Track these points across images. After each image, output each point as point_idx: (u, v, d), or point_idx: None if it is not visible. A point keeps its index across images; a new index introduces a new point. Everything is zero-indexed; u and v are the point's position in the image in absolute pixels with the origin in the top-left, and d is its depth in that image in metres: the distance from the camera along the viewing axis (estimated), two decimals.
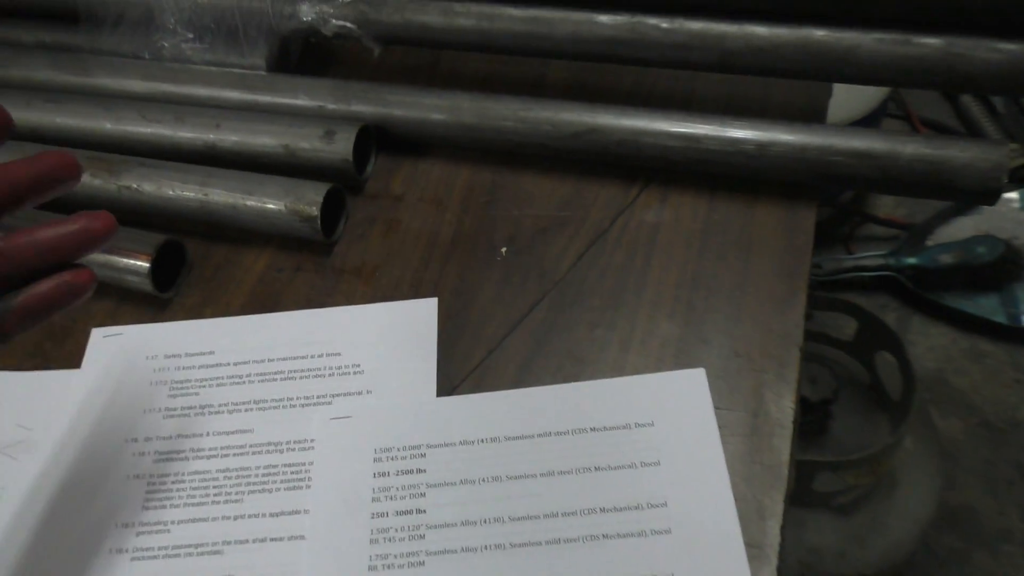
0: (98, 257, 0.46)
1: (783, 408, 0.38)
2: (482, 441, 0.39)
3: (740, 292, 0.41)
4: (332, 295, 0.46)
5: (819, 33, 0.44)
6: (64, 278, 0.31)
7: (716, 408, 0.38)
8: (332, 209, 0.47)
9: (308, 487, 0.39)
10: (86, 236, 0.31)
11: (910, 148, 0.42)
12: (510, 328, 0.42)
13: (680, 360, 0.40)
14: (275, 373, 0.43)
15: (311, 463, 0.40)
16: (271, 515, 0.38)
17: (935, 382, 1.14)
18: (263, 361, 0.44)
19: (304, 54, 0.57)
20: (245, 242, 0.49)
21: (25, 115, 0.53)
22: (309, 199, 0.46)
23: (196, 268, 0.48)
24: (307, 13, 0.52)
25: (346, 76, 0.53)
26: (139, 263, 0.45)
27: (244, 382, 0.43)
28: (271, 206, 0.46)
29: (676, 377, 0.39)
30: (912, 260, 1.17)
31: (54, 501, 0.40)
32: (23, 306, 0.31)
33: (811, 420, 0.88)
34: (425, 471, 0.39)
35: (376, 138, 0.51)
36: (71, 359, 0.45)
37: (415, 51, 0.56)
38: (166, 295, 0.47)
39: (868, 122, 1.14)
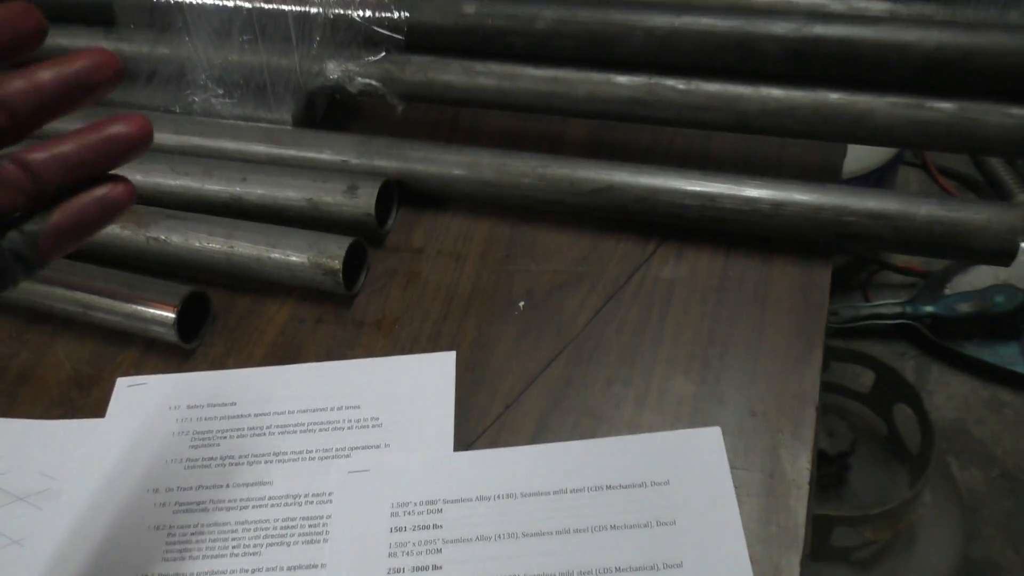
0: (125, 307, 0.47)
1: (799, 469, 0.38)
2: (498, 497, 0.39)
3: (756, 350, 0.42)
4: (352, 347, 0.46)
5: (834, 96, 0.44)
6: (98, 193, 0.28)
7: (732, 467, 0.38)
8: (354, 262, 0.48)
9: (325, 541, 0.39)
10: (119, 144, 0.28)
11: (924, 209, 0.42)
12: (527, 383, 0.43)
13: (696, 418, 0.40)
14: (295, 425, 0.44)
15: (329, 516, 0.40)
16: (288, 568, 0.39)
17: (955, 432, 1.13)
18: (283, 413, 0.44)
19: (329, 109, 0.58)
20: (268, 293, 0.50)
21: None
22: (331, 252, 0.47)
23: (220, 318, 0.49)
24: (334, 71, 0.54)
25: (370, 131, 0.55)
26: (165, 314, 0.46)
27: (264, 434, 0.44)
28: (294, 259, 0.47)
29: (692, 435, 0.39)
30: (930, 308, 1.17)
31: (76, 550, 0.40)
32: (56, 227, 0.28)
33: (829, 473, 0.87)
34: (442, 527, 0.39)
35: (398, 192, 0.52)
36: (96, 408, 0.46)
37: (437, 107, 0.57)
38: (190, 345, 0.47)
39: (885, 171, 1.14)
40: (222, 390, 0.46)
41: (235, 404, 0.45)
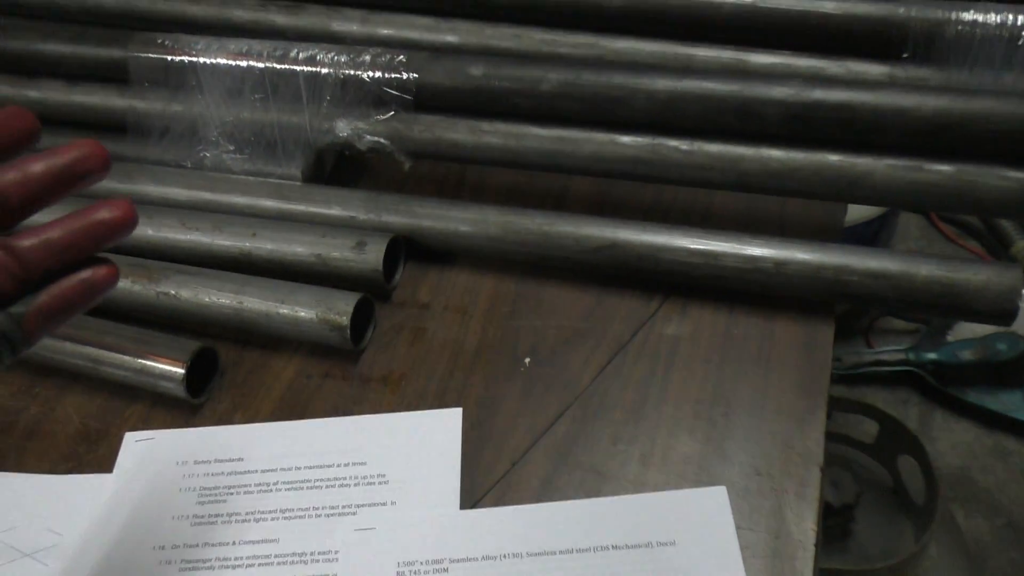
0: (134, 362, 0.48)
1: (804, 530, 0.38)
2: (504, 557, 0.39)
3: (760, 408, 0.42)
4: (359, 403, 0.47)
5: (833, 158, 0.46)
6: (83, 275, 0.30)
7: (738, 528, 0.38)
8: (361, 317, 0.49)
9: None
10: (104, 229, 0.30)
11: (924, 269, 0.43)
12: (533, 440, 0.43)
13: (701, 477, 0.40)
14: (302, 482, 0.44)
15: (335, 575, 0.40)
16: None
17: (959, 480, 1.12)
18: (290, 469, 0.44)
19: (337, 165, 0.60)
20: (276, 348, 0.50)
21: None
22: (339, 309, 0.47)
23: (228, 373, 0.49)
24: (343, 129, 0.55)
25: (377, 186, 0.56)
26: (173, 369, 0.47)
27: (271, 490, 0.44)
28: (303, 314, 0.48)
29: (697, 495, 0.40)
30: (932, 355, 1.17)
31: None
32: (41, 309, 0.29)
33: (834, 525, 0.87)
34: None
35: (405, 248, 0.53)
36: (104, 463, 0.46)
37: (443, 163, 0.59)
38: (198, 400, 0.48)
39: (887, 217, 1.15)
40: (229, 445, 0.46)
41: (242, 460, 0.45)
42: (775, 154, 0.47)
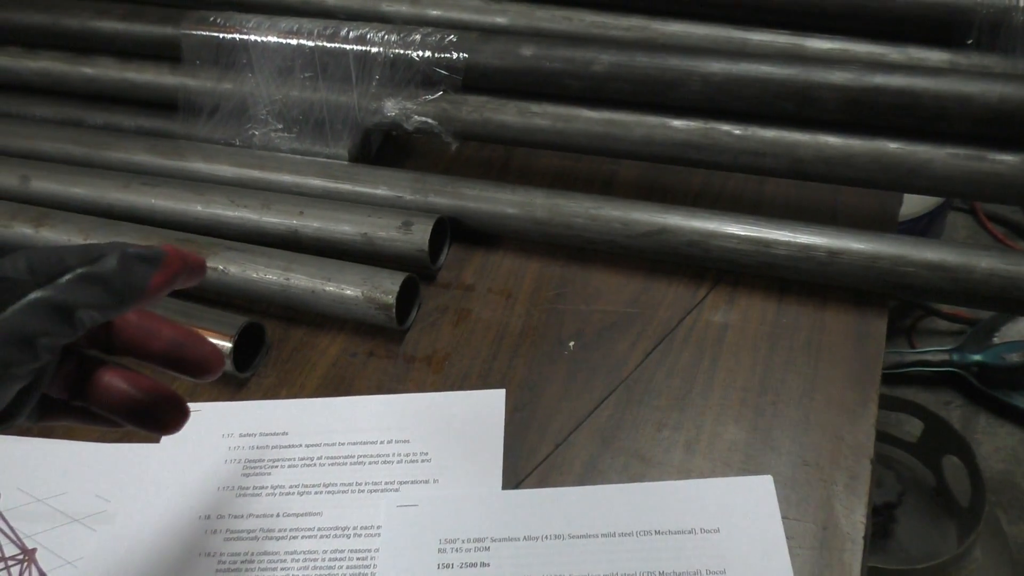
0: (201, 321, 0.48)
1: (854, 523, 0.37)
2: (547, 538, 0.39)
3: (809, 399, 0.41)
4: (403, 382, 0.47)
5: (892, 146, 0.44)
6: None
7: (784, 518, 0.38)
8: (406, 297, 0.49)
9: (373, 574, 0.39)
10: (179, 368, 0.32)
11: (985, 262, 0.42)
12: (577, 424, 0.43)
13: (747, 465, 0.40)
14: (345, 457, 0.44)
15: (377, 550, 0.40)
16: None
17: (1003, 484, 1.10)
18: (334, 444, 0.45)
19: (383, 145, 0.60)
20: (321, 326, 0.50)
21: (124, 196, 0.57)
22: (386, 287, 0.47)
23: (273, 349, 0.50)
24: (391, 109, 0.55)
25: (422, 167, 0.56)
26: (222, 343, 0.47)
27: (315, 464, 0.44)
28: (349, 292, 0.48)
29: (743, 483, 0.39)
30: (977, 357, 1.14)
31: (128, 574, 0.41)
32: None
33: (875, 524, 0.85)
34: (489, 565, 0.39)
35: (450, 229, 0.53)
36: (149, 435, 0.46)
37: (489, 145, 0.58)
38: (244, 375, 0.48)
39: (934, 216, 1.13)
40: (274, 420, 0.46)
41: (287, 434, 0.46)
42: (832, 140, 0.46)
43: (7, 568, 0.42)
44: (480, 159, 0.59)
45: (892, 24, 0.49)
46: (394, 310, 0.47)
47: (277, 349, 0.50)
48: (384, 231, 0.51)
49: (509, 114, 0.53)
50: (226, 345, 0.47)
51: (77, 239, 0.54)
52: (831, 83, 0.45)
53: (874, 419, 0.40)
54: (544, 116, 0.52)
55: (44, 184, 0.59)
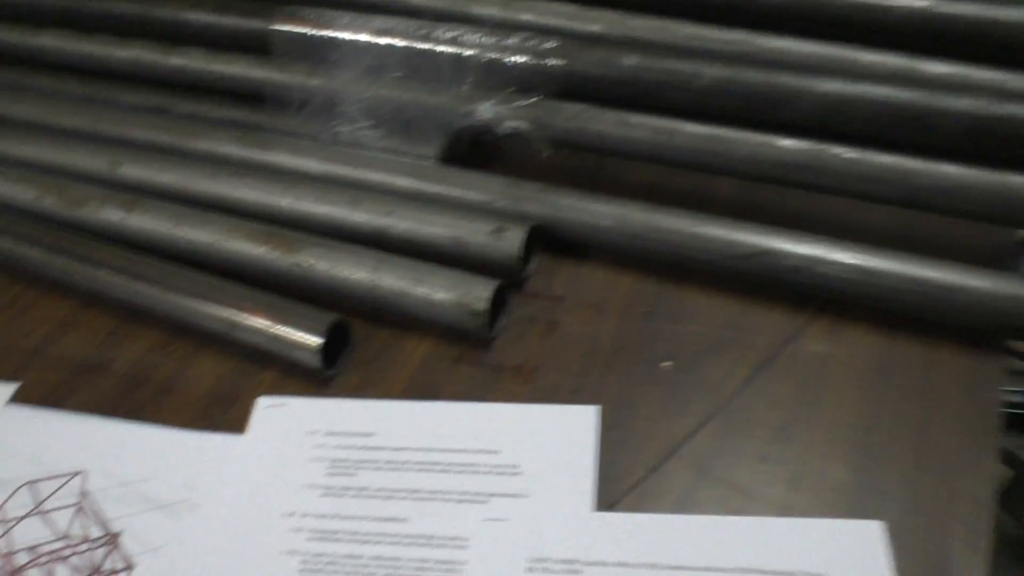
0: (270, 329, 0.48)
1: None
2: (641, 565, 0.38)
3: (921, 443, 0.40)
4: (490, 391, 0.46)
5: (1016, 179, 0.43)
6: None
7: (897, 570, 0.36)
8: (495, 304, 0.48)
9: None
10: None
11: None
12: (672, 449, 0.42)
13: (854, 508, 0.38)
14: (432, 464, 0.43)
15: (464, 563, 0.39)
16: None
17: None
18: (421, 449, 0.44)
19: (470, 147, 0.59)
20: (407, 328, 0.50)
21: (212, 185, 0.57)
22: (477, 294, 0.47)
23: (358, 349, 0.49)
24: (484, 112, 0.55)
25: (510, 172, 0.55)
26: (310, 339, 0.47)
27: (401, 469, 0.43)
28: (439, 296, 0.47)
29: (851, 527, 0.37)
30: None
31: (210, 565, 0.41)
32: None
33: None
34: None
35: (541, 238, 0.52)
36: (236, 425, 0.46)
37: (579, 153, 0.57)
38: (330, 372, 0.48)
39: None
40: (361, 420, 0.46)
41: (374, 435, 0.45)
42: (950, 170, 0.44)
43: (91, 550, 0.42)
44: (569, 167, 0.58)
45: (1018, 51, 0.47)
46: (486, 317, 0.46)
47: (362, 348, 0.49)
48: (475, 236, 0.50)
49: (607, 124, 0.52)
50: (315, 341, 0.47)
51: (167, 226, 0.54)
52: (956, 110, 0.43)
53: (993, 470, 0.38)
54: (643, 128, 0.51)
55: (133, 170, 0.59)
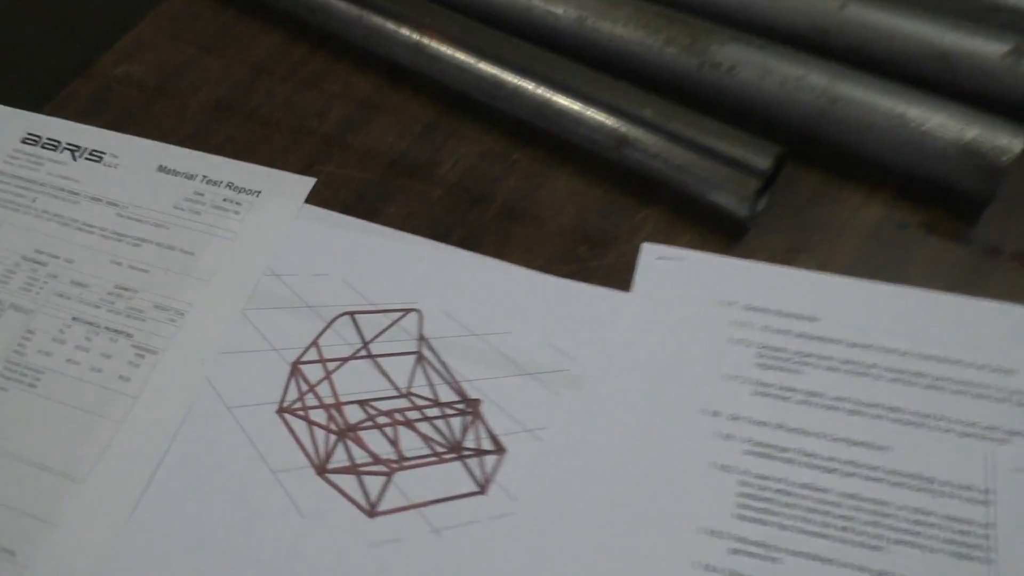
0: (717, 142, 0.35)
1: None
2: None
3: None
4: (976, 282, 0.32)
5: None
6: None
7: None
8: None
9: (987, 561, 0.27)
10: None
11: None
12: None
13: None
14: (914, 374, 0.31)
15: (988, 525, 0.28)
16: None
17: None
18: (893, 352, 0.31)
19: None
20: (844, 173, 0.36)
21: None
22: (1001, 143, 0.32)
23: (779, 195, 0.36)
24: None
25: None
26: (743, 175, 0.33)
27: (868, 375, 0.31)
28: (936, 135, 0.33)
29: None
30: None
31: (619, 468, 0.30)
32: None
33: None
34: None
35: None
36: (613, 276, 0.35)
37: None
38: (747, 214, 0.35)
39: None
40: (795, 296, 0.33)
41: (818, 320, 0.33)
42: None
43: (445, 417, 0.32)
44: None
45: None
46: (1002, 176, 0.32)
47: (783, 195, 0.36)
48: (976, 53, 0.34)
49: None
50: (750, 181, 0.33)
51: None
52: None
53: None
54: None
55: None
